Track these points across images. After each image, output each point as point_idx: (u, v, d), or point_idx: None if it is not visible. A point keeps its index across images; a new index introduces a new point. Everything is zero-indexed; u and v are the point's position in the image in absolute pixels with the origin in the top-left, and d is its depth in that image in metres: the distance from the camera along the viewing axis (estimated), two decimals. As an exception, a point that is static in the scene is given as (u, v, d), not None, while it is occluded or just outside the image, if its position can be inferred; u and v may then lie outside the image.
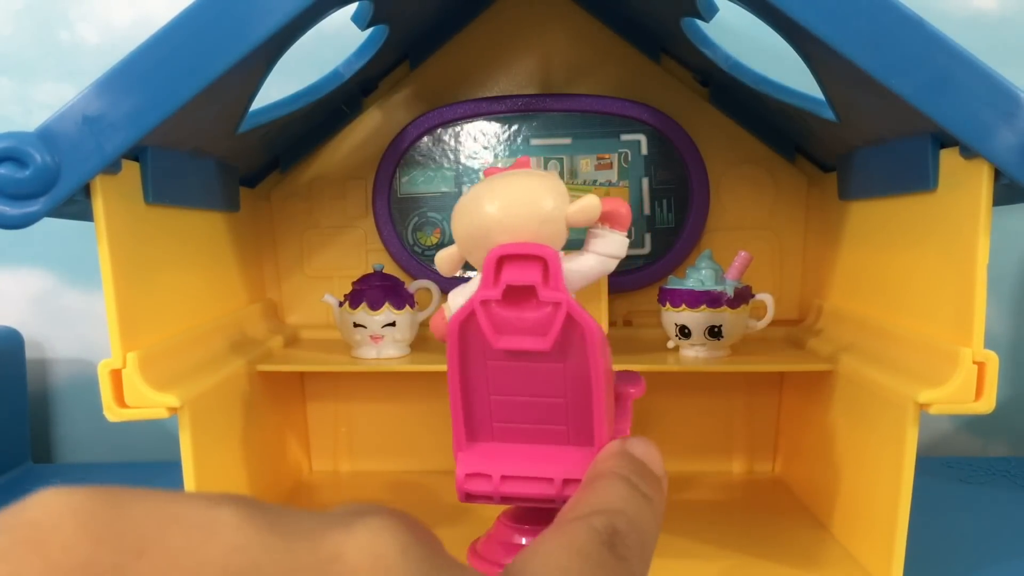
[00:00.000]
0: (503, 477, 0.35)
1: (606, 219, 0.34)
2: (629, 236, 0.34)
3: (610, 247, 0.34)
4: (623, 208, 0.34)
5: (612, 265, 0.35)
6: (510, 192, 0.33)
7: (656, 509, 0.27)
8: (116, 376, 0.38)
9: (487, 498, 0.36)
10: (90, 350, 0.70)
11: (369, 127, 0.59)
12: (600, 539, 0.23)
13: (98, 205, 0.36)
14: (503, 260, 0.32)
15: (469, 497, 0.36)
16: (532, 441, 0.35)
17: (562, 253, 0.34)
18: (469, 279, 0.35)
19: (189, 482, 0.40)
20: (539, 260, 0.32)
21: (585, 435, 0.33)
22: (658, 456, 0.30)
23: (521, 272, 0.32)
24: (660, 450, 0.31)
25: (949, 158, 0.37)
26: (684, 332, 0.49)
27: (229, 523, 0.16)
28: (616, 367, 0.48)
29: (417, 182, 0.58)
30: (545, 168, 0.57)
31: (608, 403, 0.33)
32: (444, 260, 0.35)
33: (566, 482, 0.34)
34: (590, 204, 0.33)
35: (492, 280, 0.32)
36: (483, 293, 0.32)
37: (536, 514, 0.41)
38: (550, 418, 0.34)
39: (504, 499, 0.35)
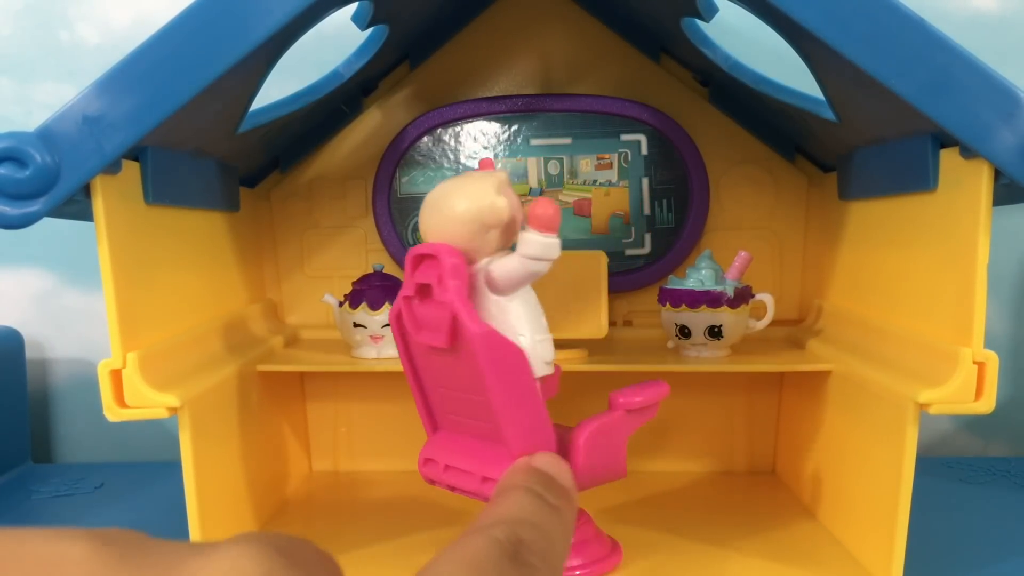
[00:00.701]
0: (446, 466, 0.36)
1: (527, 219, 0.35)
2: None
3: (528, 248, 0.34)
4: (539, 209, 0.34)
5: (535, 266, 0.35)
6: (437, 195, 0.35)
7: (564, 518, 0.28)
8: (116, 376, 0.38)
9: (439, 484, 0.37)
10: (90, 350, 0.70)
11: (369, 127, 0.59)
12: (501, 549, 0.23)
13: (98, 205, 0.36)
14: (417, 259, 0.34)
15: (431, 480, 0.37)
16: (475, 435, 0.36)
17: (502, 253, 0.36)
18: None
19: (189, 482, 0.40)
20: (437, 259, 0.33)
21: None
22: (566, 470, 0.31)
23: (426, 271, 0.33)
24: (567, 467, 0.31)
25: (949, 158, 0.37)
26: (684, 332, 0.49)
27: (74, 559, 0.16)
28: (616, 367, 0.48)
29: (417, 182, 0.58)
30: (545, 168, 0.57)
31: (516, 408, 0.33)
32: None
33: (484, 479, 0.35)
34: (494, 205, 0.34)
35: (409, 277, 0.34)
36: (403, 290, 0.34)
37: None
38: (477, 414, 0.35)
39: (450, 487, 0.37)
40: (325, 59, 0.53)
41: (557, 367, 0.39)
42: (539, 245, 0.34)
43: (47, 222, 0.36)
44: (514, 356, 0.33)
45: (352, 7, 0.46)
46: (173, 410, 0.38)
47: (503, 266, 0.35)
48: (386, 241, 0.58)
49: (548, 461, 0.31)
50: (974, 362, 0.36)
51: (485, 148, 0.57)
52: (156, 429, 0.61)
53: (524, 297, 0.36)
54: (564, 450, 0.36)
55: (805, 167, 0.57)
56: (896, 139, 0.41)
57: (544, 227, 0.34)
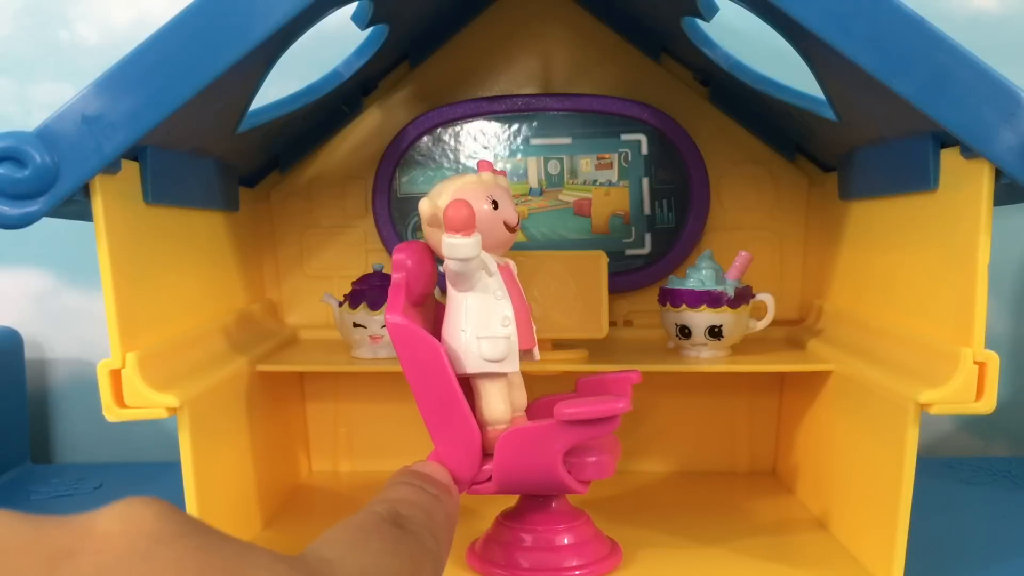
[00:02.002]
0: None
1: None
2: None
3: (442, 248, 0.36)
4: (449, 210, 0.35)
5: (450, 265, 0.36)
6: None
7: (444, 503, 0.31)
8: (115, 376, 0.38)
9: None
10: (90, 350, 0.70)
11: (369, 127, 0.59)
12: (380, 518, 0.26)
13: (97, 205, 0.36)
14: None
15: None
16: None
17: None
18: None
19: (188, 482, 0.40)
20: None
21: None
22: (444, 472, 0.35)
23: None
24: (446, 470, 0.35)
25: (950, 158, 0.37)
26: (684, 332, 0.49)
27: None
28: (617, 367, 0.48)
29: (417, 182, 0.58)
30: (545, 168, 0.57)
31: (429, 401, 0.35)
32: None
33: None
34: (422, 204, 0.37)
35: None
36: None
37: (532, 514, 0.41)
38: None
39: None
40: (325, 59, 0.52)
41: (632, 374, 0.41)
42: (444, 245, 0.35)
43: (46, 222, 0.36)
44: (426, 349, 0.35)
45: (352, 7, 0.46)
46: (172, 410, 0.38)
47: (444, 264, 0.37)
48: (386, 241, 0.58)
49: (428, 466, 0.35)
50: (975, 362, 0.36)
51: (485, 148, 0.57)
52: (155, 429, 0.61)
53: (479, 293, 0.37)
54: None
55: (805, 167, 0.57)
56: (896, 139, 0.41)
57: (449, 228, 0.35)
